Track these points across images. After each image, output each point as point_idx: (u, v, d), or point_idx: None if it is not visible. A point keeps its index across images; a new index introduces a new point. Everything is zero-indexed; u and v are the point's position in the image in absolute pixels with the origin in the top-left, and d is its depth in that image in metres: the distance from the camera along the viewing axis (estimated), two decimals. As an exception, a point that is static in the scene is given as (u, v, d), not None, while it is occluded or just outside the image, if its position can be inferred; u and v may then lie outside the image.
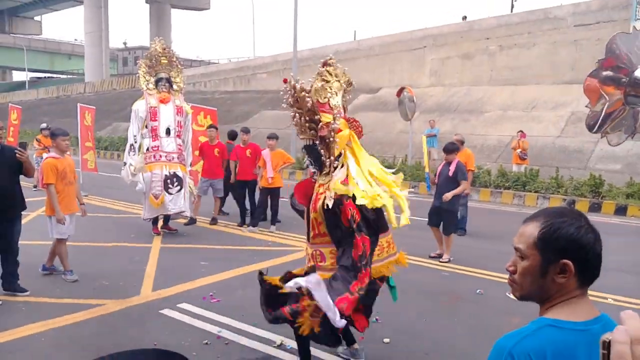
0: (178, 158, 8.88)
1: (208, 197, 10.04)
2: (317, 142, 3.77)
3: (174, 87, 9.04)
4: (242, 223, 9.78)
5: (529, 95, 20.11)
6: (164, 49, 9.04)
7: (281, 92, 3.79)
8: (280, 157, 9.61)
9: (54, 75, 67.88)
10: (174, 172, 8.74)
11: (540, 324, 1.33)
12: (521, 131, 15.76)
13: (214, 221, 9.90)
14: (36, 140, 13.11)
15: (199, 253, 7.73)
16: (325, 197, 3.66)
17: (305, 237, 3.99)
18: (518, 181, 14.41)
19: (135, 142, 8.84)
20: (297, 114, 3.79)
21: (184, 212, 8.96)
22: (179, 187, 8.73)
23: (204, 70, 37.41)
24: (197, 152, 10.07)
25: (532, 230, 1.39)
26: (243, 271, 6.79)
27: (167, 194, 8.59)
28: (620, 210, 12.32)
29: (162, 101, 8.80)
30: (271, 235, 9.14)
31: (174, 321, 5.07)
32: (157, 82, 8.90)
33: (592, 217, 9.17)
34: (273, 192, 9.51)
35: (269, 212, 9.77)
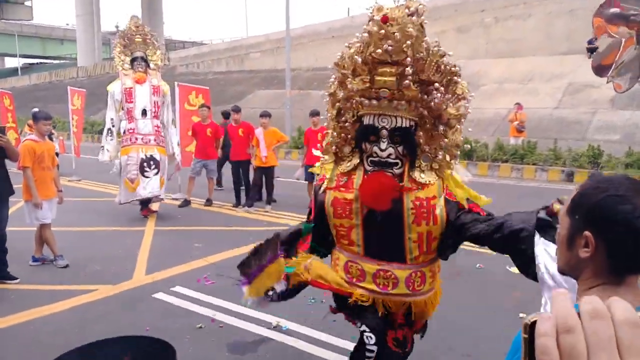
0: (155, 140, 8.64)
1: (202, 177, 9.90)
2: (421, 122, 2.60)
3: (151, 65, 8.78)
4: (237, 204, 9.65)
5: (525, 68, 19.87)
6: (138, 27, 8.76)
7: (381, 35, 2.45)
8: (273, 135, 9.45)
9: (47, 61, 67.06)
10: (151, 155, 8.51)
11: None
12: (518, 103, 15.58)
13: (208, 202, 9.77)
14: (27, 125, 12.89)
15: (193, 235, 7.61)
16: (444, 205, 2.60)
17: (360, 251, 2.73)
18: (516, 154, 14.27)
19: (113, 126, 8.61)
20: (404, 75, 2.44)
21: (158, 196, 8.73)
22: (156, 171, 8.51)
23: (197, 51, 36.95)
24: (189, 133, 9.90)
25: (572, 195, 1.24)
26: (238, 252, 6.66)
27: (143, 177, 8.39)
28: None
29: (138, 81, 8.53)
30: (267, 214, 9.02)
31: (167, 305, 4.97)
32: (132, 61, 8.63)
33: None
34: (267, 172, 9.37)
35: (264, 192, 9.66)
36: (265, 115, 9.39)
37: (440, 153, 2.59)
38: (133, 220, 8.54)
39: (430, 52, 2.47)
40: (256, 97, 26.41)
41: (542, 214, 2.31)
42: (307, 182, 9.59)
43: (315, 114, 9.69)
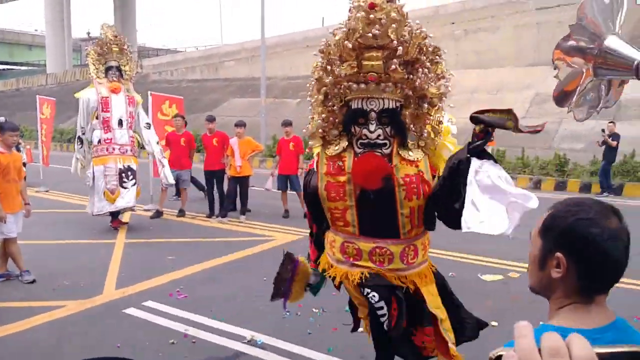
0: (131, 150, 8.58)
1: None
2: (406, 102, 2.70)
3: (124, 75, 8.68)
4: (210, 214, 9.57)
5: (495, 78, 20.27)
6: (116, 37, 8.65)
7: (368, 21, 2.52)
8: (248, 145, 9.43)
9: (14, 67, 65.64)
10: (129, 165, 8.43)
11: (543, 331, 1.19)
12: (489, 113, 15.85)
13: (181, 213, 9.66)
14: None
15: (166, 247, 7.52)
16: (431, 180, 2.74)
17: (355, 231, 2.81)
18: (486, 163, 14.51)
19: (83, 134, 8.47)
20: (390, 58, 2.56)
21: (133, 207, 8.71)
22: (133, 181, 8.45)
23: (171, 58, 36.60)
24: (162, 142, 9.80)
25: (544, 217, 1.28)
26: (212, 264, 6.61)
27: (122, 188, 8.29)
28: (585, 188, 12.53)
29: (114, 91, 8.42)
30: (241, 225, 8.97)
31: (138, 320, 4.88)
32: (107, 70, 8.52)
33: (558, 196, 9.23)
34: (242, 181, 9.33)
35: (238, 202, 9.60)
36: (240, 124, 9.36)
37: (425, 131, 2.74)
38: (103, 232, 8.39)
39: (413, 34, 2.61)
40: (231, 105, 26.30)
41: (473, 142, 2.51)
42: (280, 191, 9.59)
43: (287, 124, 9.71)
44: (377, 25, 2.50)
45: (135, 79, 9.40)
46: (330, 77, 2.68)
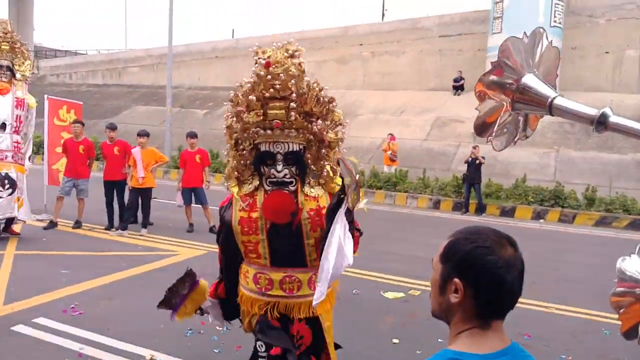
0: (13, 157, 7.95)
1: (71, 198, 9.27)
2: (308, 145, 2.96)
3: (17, 75, 8.08)
4: (109, 226, 9.16)
5: (399, 101, 21.17)
6: (6, 33, 8.01)
7: (268, 77, 2.77)
8: (152, 155, 9.17)
9: None
10: (6, 173, 7.80)
11: (444, 357, 1.25)
12: (391, 134, 16.53)
13: (77, 224, 9.16)
14: None
15: (60, 260, 7.08)
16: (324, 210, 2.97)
17: (267, 263, 3.03)
18: (389, 181, 15.10)
19: None
20: (290, 109, 2.82)
21: (14, 217, 8.04)
22: (10, 190, 7.80)
23: (70, 61, 34.80)
24: (58, 149, 9.26)
25: (444, 243, 1.35)
26: (109, 279, 6.32)
27: None
28: (481, 209, 13.35)
29: (0, 92, 7.84)
30: (142, 239, 8.65)
31: (28, 339, 4.56)
32: None
33: (455, 217, 9.81)
34: (144, 193, 9.04)
35: (139, 214, 9.27)
36: (143, 134, 9.09)
37: (325, 170, 3.03)
38: (-11, 243, 7.78)
39: (311, 87, 2.88)
40: (134, 112, 25.41)
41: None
42: (185, 205, 9.38)
43: (192, 135, 9.56)
44: (277, 80, 2.77)
45: (31, 80, 8.83)
46: (239, 124, 2.93)
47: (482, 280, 1.24)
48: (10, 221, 8.14)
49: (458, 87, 20.44)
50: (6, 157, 7.88)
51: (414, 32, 22.22)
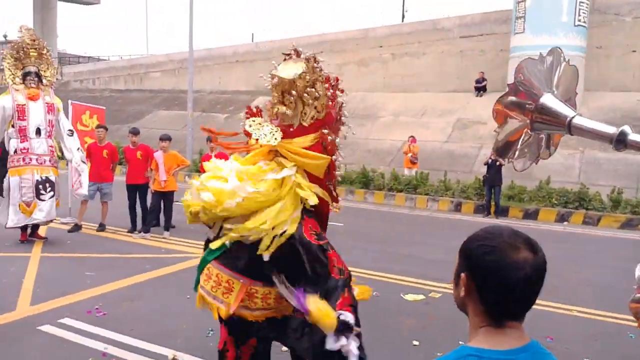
0: (50, 161, 8.18)
1: (95, 201, 9.43)
2: None
3: (44, 81, 8.29)
4: (132, 229, 9.29)
5: (419, 102, 21.04)
6: (34, 41, 8.24)
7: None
8: (174, 159, 9.26)
9: None
10: (47, 177, 8.03)
11: (461, 353, 1.26)
12: (412, 136, 16.45)
13: (101, 227, 9.31)
14: None
15: (85, 262, 7.21)
16: None
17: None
18: (409, 184, 15.00)
19: None
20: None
21: (52, 220, 8.37)
22: (52, 193, 8.06)
23: (93, 66, 35.37)
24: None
25: None
26: (133, 281, 6.41)
27: (39, 200, 7.90)
28: (503, 212, 13.20)
29: (32, 98, 8.01)
30: (164, 241, 8.76)
31: (54, 338, 4.65)
32: (24, 76, 8.09)
33: (477, 219, 9.71)
34: (166, 196, 9.14)
35: (162, 218, 9.38)
36: (165, 138, 9.20)
37: None
38: (17, 245, 7.95)
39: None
40: (156, 117, 25.70)
41: None
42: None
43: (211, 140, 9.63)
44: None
45: (55, 86, 9.02)
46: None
47: (484, 278, 1.25)
48: (36, 226, 8.33)
49: (480, 89, 20.26)
50: (45, 162, 8.09)
51: (435, 33, 22.07)
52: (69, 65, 38.58)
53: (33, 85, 8.09)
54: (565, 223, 12.69)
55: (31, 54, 8.16)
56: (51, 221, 8.41)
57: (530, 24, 17.75)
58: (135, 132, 9.56)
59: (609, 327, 5.51)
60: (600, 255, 9.27)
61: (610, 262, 8.38)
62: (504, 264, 1.22)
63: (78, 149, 8.68)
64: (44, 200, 7.95)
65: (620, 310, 5.79)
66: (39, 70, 8.22)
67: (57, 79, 12.76)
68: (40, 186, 7.93)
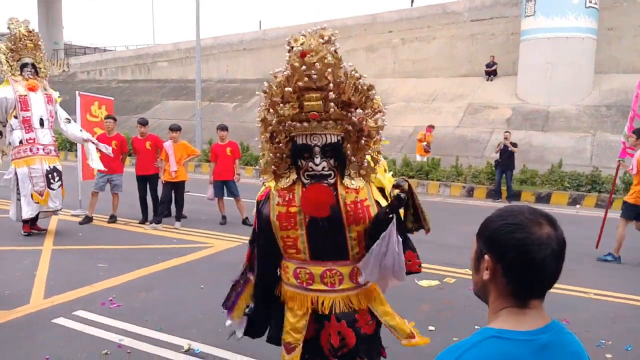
0: (55, 151, 8.32)
1: (105, 193, 9.44)
2: (346, 136, 2.82)
3: (39, 73, 8.29)
4: (144, 220, 9.29)
5: (430, 88, 20.85)
6: (30, 32, 8.23)
7: (303, 67, 2.63)
8: (184, 149, 9.23)
9: None
10: (54, 167, 8.12)
11: (484, 335, 1.23)
12: (431, 125, 16.37)
13: (112, 219, 9.32)
14: None
15: (97, 254, 7.22)
16: (375, 205, 2.94)
17: (307, 257, 2.94)
18: (421, 170, 14.90)
19: (4, 127, 8.07)
20: (328, 100, 2.68)
21: (60, 209, 8.46)
22: (60, 182, 8.17)
23: (99, 57, 35.30)
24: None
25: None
26: (146, 272, 6.41)
27: (50, 189, 7.98)
28: (515, 196, 13.08)
29: (31, 89, 8.04)
30: (176, 232, 8.75)
31: (69, 330, 4.66)
32: (21, 67, 8.10)
33: (489, 204, 9.60)
34: (177, 187, 9.12)
35: (173, 208, 9.38)
36: (174, 129, 9.15)
37: (365, 161, 2.89)
38: (28, 238, 7.97)
39: (349, 75, 2.72)
40: (164, 107, 25.70)
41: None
42: (217, 198, 9.43)
43: (223, 128, 9.58)
44: (313, 70, 2.63)
45: (62, 77, 9.01)
46: (274, 117, 2.81)
47: (509, 257, 1.22)
48: (35, 218, 8.34)
49: (491, 73, 20.02)
50: (51, 151, 8.19)
51: (445, 17, 21.79)
52: (75, 56, 38.56)
53: (30, 76, 8.11)
54: (578, 206, 12.56)
55: (27, 45, 8.17)
56: (60, 209, 8.47)
57: (540, 6, 17.47)
58: (143, 122, 9.54)
59: (627, 309, 5.44)
60: (613, 237, 9.16)
61: (625, 244, 8.28)
62: (530, 240, 1.20)
63: (80, 130, 8.78)
64: (54, 190, 8.04)
65: (637, 292, 5.73)
66: (34, 62, 8.23)
67: (63, 70, 12.77)
68: (50, 175, 8.00)
